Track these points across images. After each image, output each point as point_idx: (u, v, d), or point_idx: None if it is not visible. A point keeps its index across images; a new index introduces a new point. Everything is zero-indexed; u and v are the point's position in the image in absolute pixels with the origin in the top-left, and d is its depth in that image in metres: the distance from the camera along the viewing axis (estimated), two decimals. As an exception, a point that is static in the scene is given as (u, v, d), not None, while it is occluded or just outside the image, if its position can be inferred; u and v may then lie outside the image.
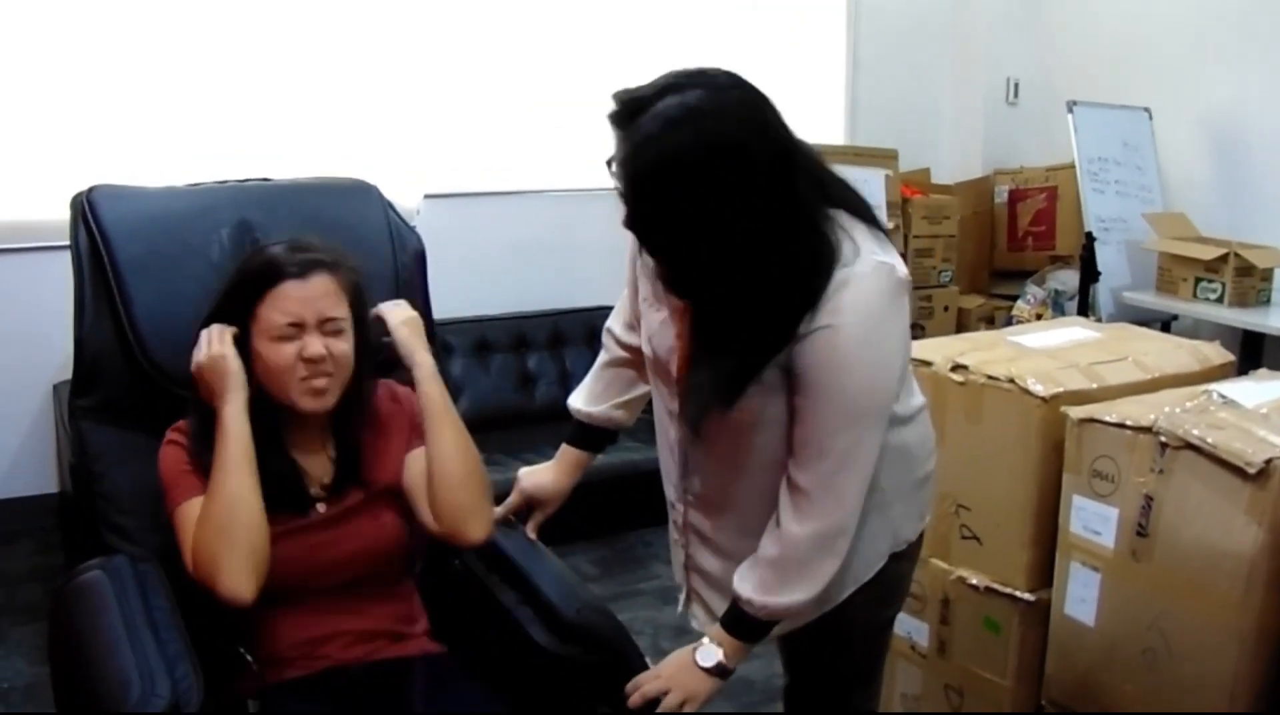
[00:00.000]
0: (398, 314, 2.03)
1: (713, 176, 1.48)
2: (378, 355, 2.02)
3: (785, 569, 1.73)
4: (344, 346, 1.92)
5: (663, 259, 1.62)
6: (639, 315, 1.92)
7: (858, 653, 2.02)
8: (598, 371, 2.13)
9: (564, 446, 2.15)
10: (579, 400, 2.13)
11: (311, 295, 1.89)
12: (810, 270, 1.59)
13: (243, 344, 1.91)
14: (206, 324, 1.93)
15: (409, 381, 2.02)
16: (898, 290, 1.64)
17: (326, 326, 1.90)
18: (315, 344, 1.88)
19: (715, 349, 1.66)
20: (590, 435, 2.14)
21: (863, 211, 1.68)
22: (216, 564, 1.78)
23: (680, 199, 1.49)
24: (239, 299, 1.92)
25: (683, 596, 2.03)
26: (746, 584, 1.76)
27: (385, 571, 2.02)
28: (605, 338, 2.11)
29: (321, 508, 1.96)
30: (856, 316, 1.59)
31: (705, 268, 1.57)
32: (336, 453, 2.00)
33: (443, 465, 1.96)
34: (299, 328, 1.88)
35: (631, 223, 1.56)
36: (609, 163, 1.54)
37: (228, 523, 1.80)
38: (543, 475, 2.15)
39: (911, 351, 1.82)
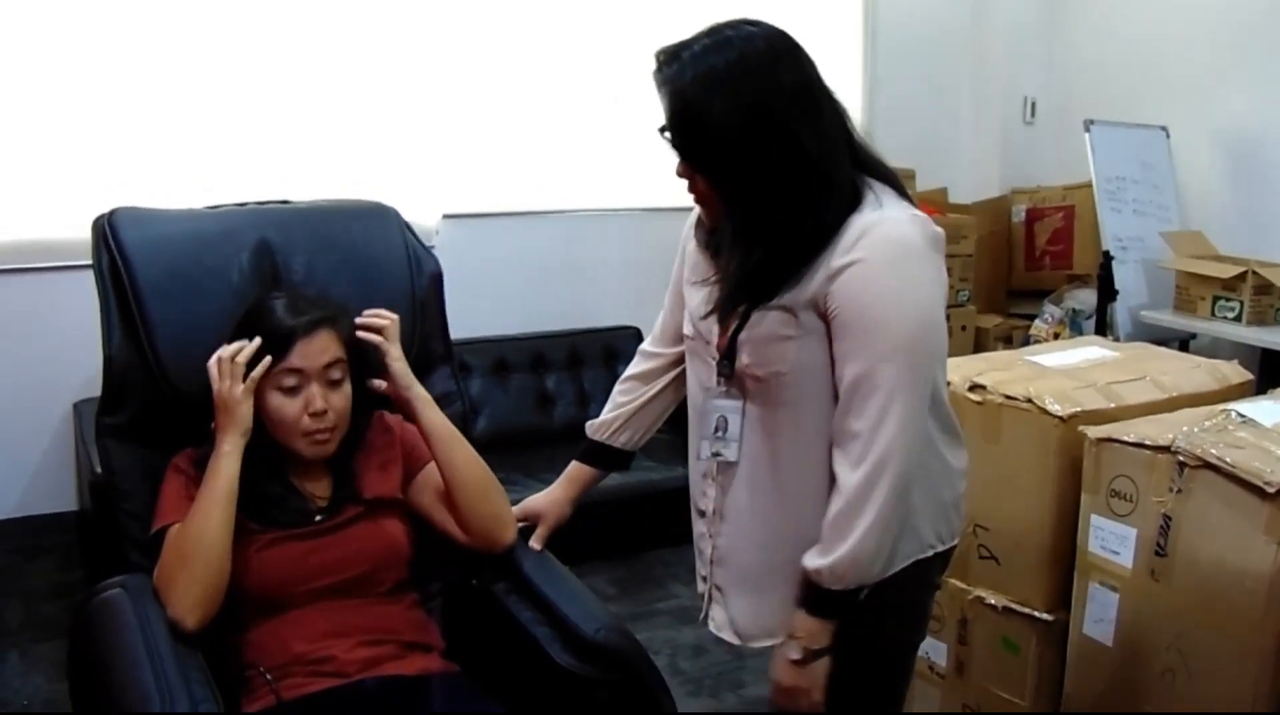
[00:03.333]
0: (392, 351, 2.08)
1: (737, 106, 1.65)
2: (373, 397, 2.11)
3: (844, 517, 1.72)
4: (343, 399, 2.03)
5: (704, 167, 1.73)
6: (674, 330, 2.05)
7: (880, 678, 2.01)
8: (618, 384, 2.19)
9: (572, 462, 2.20)
10: (595, 419, 2.19)
11: (315, 350, 1.99)
12: (823, 196, 1.70)
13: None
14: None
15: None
16: (932, 241, 1.73)
17: (327, 375, 2.01)
18: (318, 399, 1.98)
19: (746, 249, 1.74)
20: (597, 452, 2.17)
21: (891, 181, 1.79)
22: (171, 588, 1.87)
23: (719, 108, 1.66)
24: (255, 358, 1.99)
25: (705, 597, 2.02)
26: (811, 555, 1.76)
27: (386, 576, 2.07)
28: (639, 354, 2.18)
29: (320, 519, 2.04)
30: (886, 252, 1.68)
31: (734, 185, 1.71)
32: (335, 475, 2.08)
33: (461, 482, 2.07)
34: (302, 377, 1.98)
35: (677, 138, 1.72)
36: (661, 129, 1.72)
37: (190, 554, 1.88)
38: (541, 493, 2.21)
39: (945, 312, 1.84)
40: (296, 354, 1.97)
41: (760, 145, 1.67)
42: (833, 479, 1.74)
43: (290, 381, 1.97)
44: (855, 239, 1.68)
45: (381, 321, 2.08)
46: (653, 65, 1.73)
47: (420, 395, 2.06)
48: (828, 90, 1.75)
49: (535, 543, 2.18)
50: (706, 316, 1.85)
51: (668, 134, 1.73)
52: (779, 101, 1.67)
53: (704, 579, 2.01)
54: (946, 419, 1.90)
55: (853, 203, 1.71)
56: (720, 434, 1.88)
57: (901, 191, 1.79)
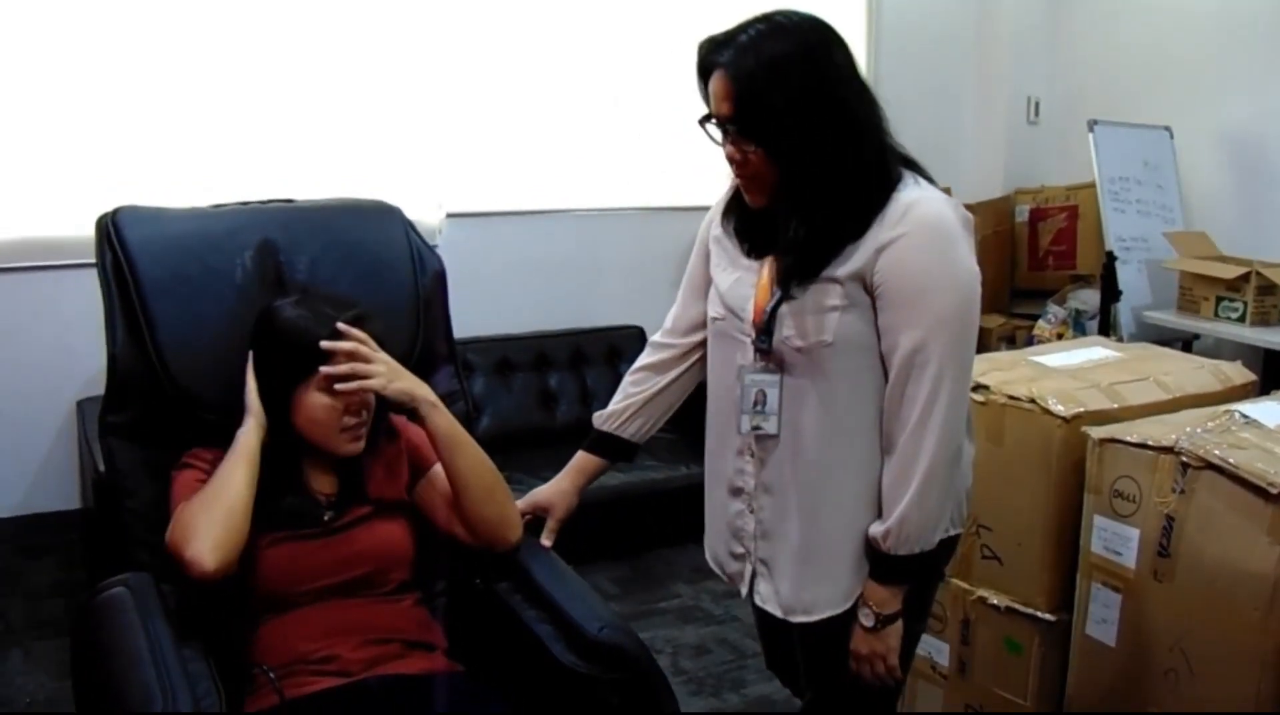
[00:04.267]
0: (377, 381, 1.99)
1: (812, 68, 1.76)
2: None
3: (900, 481, 1.82)
4: (372, 396, 2.02)
5: (769, 145, 1.79)
6: (688, 322, 2.13)
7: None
8: (629, 374, 2.21)
9: (578, 452, 2.23)
10: (602, 410, 2.22)
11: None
12: (883, 152, 1.83)
13: (281, 395, 2.00)
14: (260, 381, 2.02)
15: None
16: (965, 223, 1.83)
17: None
18: (358, 397, 1.99)
19: (809, 212, 1.82)
20: (605, 442, 2.19)
21: (917, 167, 1.90)
22: (190, 532, 1.85)
23: (787, 89, 1.74)
24: (289, 367, 1.99)
25: (747, 573, 2.04)
26: (875, 523, 1.86)
27: (390, 577, 2.07)
28: (649, 345, 2.21)
29: (328, 518, 2.04)
30: (927, 227, 1.77)
31: (804, 149, 1.78)
32: (342, 475, 2.08)
33: (468, 485, 2.05)
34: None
35: (742, 119, 1.78)
36: (701, 121, 1.83)
37: (213, 500, 1.88)
38: (546, 485, 2.23)
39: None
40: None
41: (823, 122, 1.76)
42: (881, 449, 1.85)
43: (324, 381, 1.96)
44: (901, 214, 1.77)
45: (361, 366, 1.97)
46: (695, 55, 1.83)
47: (426, 399, 2.02)
48: (865, 84, 1.85)
49: (546, 539, 2.19)
50: (772, 288, 1.88)
51: (717, 121, 1.81)
52: (838, 82, 1.78)
53: (741, 556, 2.04)
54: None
55: (896, 178, 1.81)
56: (760, 408, 1.92)
57: (926, 175, 1.89)
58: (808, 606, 1.95)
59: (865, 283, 1.80)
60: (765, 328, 1.86)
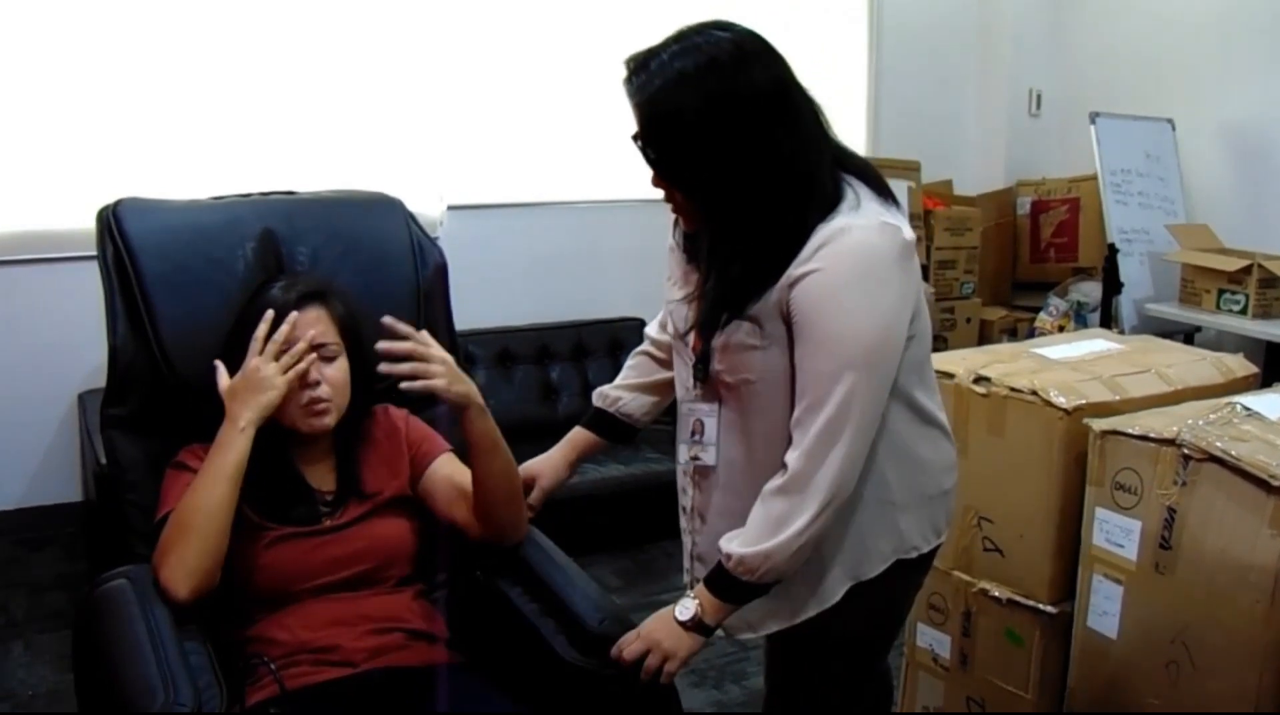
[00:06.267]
0: (438, 382, 1.91)
1: (708, 112, 1.62)
2: (377, 382, 2.06)
3: (765, 518, 1.73)
4: (337, 371, 2.03)
5: (678, 178, 1.70)
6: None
7: (838, 669, 2.00)
8: (630, 358, 2.20)
9: (576, 427, 2.22)
10: (605, 387, 2.21)
11: (304, 323, 2.01)
12: (802, 199, 1.67)
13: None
14: (226, 359, 2.01)
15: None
16: (901, 252, 1.69)
17: (320, 352, 2.01)
18: (311, 369, 1.99)
19: (724, 262, 1.72)
20: (602, 419, 2.18)
21: (872, 178, 1.77)
22: (165, 556, 1.87)
23: (690, 115, 1.62)
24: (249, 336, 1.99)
25: (689, 587, 2.01)
26: (730, 542, 1.77)
27: (391, 572, 2.08)
28: (646, 336, 2.19)
29: (326, 514, 2.04)
30: (848, 262, 1.64)
31: (710, 193, 1.69)
32: (339, 469, 2.09)
33: (495, 488, 2.04)
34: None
35: (650, 150, 1.68)
36: (634, 137, 1.69)
37: (188, 526, 1.87)
38: (540, 456, 2.21)
39: (920, 324, 1.81)
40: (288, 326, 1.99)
41: (735, 150, 1.64)
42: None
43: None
44: (816, 248, 1.65)
45: (422, 364, 1.90)
46: (622, 74, 1.72)
47: (478, 403, 1.97)
48: (803, 89, 1.72)
49: (532, 501, 2.17)
50: (686, 333, 1.85)
51: (639, 144, 1.69)
52: (751, 103, 1.63)
53: (687, 570, 2.04)
54: (925, 413, 1.88)
55: (833, 204, 1.68)
56: (697, 437, 1.88)
57: (882, 190, 1.77)
58: (750, 624, 1.90)
59: (783, 316, 1.69)
60: (703, 356, 1.80)
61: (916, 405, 1.85)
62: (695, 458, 1.89)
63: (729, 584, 1.78)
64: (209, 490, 1.88)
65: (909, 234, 1.70)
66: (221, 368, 1.98)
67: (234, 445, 1.91)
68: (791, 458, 1.70)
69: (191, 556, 1.85)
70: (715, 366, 1.78)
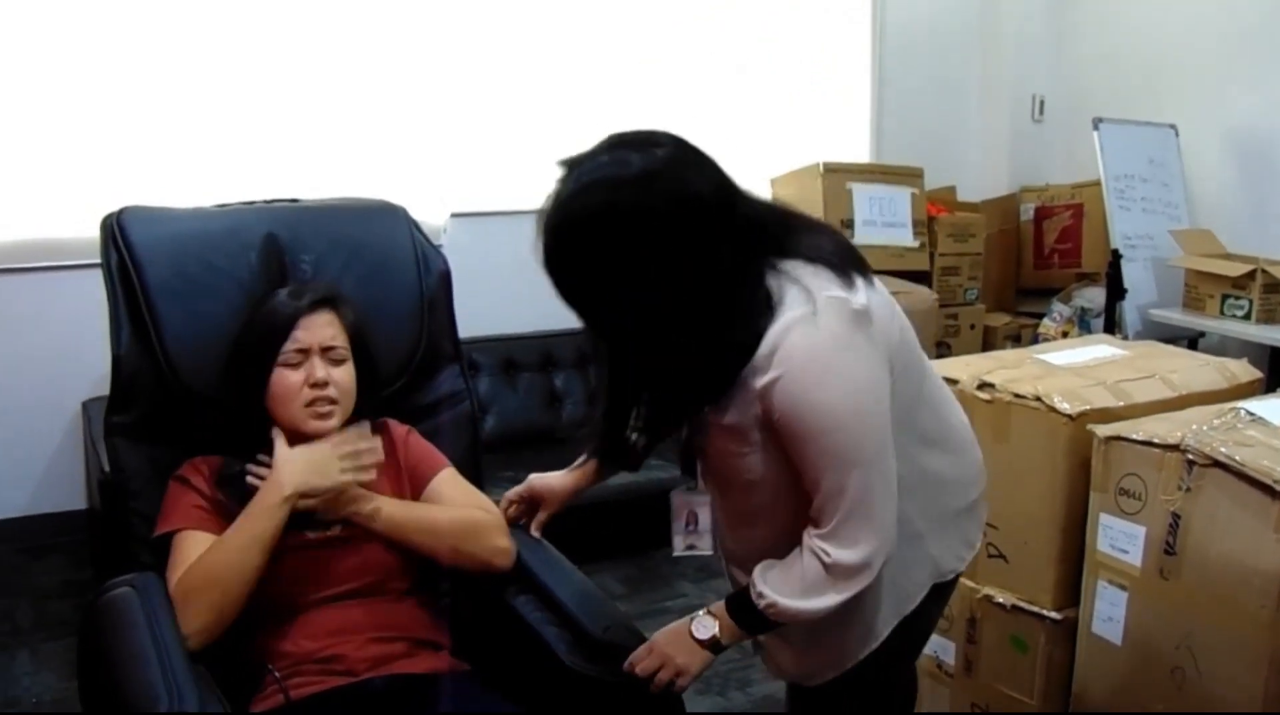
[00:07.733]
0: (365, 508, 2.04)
1: (614, 239, 1.53)
2: (379, 392, 2.10)
3: (805, 579, 1.69)
4: (344, 375, 2.06)
5: (578, 310, 1.63)
6: None
7: (870, 677, 1.97)
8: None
9: (583, 456, 2.18)
10: None
11: (316, 325, 2.04)
12: (733, 325, 1.59)
13: (256, 381, 2.02)
14: (232, 368, 2.06)
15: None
16: (853, 322, 1.60)
17: (329, 354, 2.04)
18: (318, 369, 2.02)
19: (658, 388, 1.71)
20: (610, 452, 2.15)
21: (825, 255, 1.66)
22: (186, 604, 1.87)
23: (582, 259, 1.55)
24: (262, 346, 2.03)
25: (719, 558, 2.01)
26: (766, 581, 1.73)
27: (393, 584, 2.08)
28: None
29: (327, 525, 2.04)
30: (800, 361, 1.58)
31: (617, 322, 1.63)
32: None
33: (438, 547, 2.08)
34: (304, 354, 2.02)
35: (550, 275, 1.59)
36: (545, 265, 1.60)
37: (216, 580, 1.88)
38: (552, 475, 2.18)
39: (902, 361, 1.74)
40: (299, 329, 2.02)
41: (644, 301, 1.57)
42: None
43: (294, 358, 2.01)
44: (769, 354, 1.58)
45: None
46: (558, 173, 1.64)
47: (364, 515, 2.03)
48: (736, 201, 1.63)
49: (534, 530, 2.18)
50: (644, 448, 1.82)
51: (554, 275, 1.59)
52: (662, 243, 1.53)
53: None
54: (935, 434, 1.86)
55: (769, 309, 1.60)
56: (692, 528, 1.87)
57: (835, 260, 1.66)
58: (810, 676, 1.92)
59: (767, 422, 1.63)
60: (687, 465, 1.78)
61: (922, 430, 1.81)
62: (691, 547, 1.88)
63: (755, 618, 1.77)
64: (243, 554, 1.90)
65: (858, 300, 1.62)
66: (281, 437, 2.01)
67: (274, 516, 1.92)
68: (828, 546, 1.66)
69: (212, 615, 1.87)
70: (704, 467, 1.78)
